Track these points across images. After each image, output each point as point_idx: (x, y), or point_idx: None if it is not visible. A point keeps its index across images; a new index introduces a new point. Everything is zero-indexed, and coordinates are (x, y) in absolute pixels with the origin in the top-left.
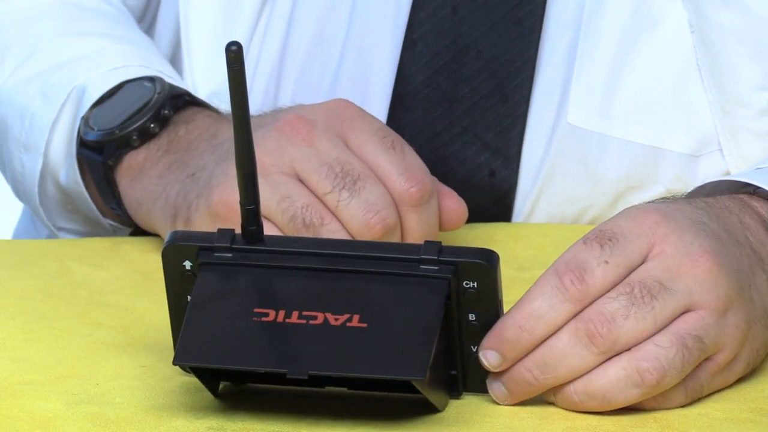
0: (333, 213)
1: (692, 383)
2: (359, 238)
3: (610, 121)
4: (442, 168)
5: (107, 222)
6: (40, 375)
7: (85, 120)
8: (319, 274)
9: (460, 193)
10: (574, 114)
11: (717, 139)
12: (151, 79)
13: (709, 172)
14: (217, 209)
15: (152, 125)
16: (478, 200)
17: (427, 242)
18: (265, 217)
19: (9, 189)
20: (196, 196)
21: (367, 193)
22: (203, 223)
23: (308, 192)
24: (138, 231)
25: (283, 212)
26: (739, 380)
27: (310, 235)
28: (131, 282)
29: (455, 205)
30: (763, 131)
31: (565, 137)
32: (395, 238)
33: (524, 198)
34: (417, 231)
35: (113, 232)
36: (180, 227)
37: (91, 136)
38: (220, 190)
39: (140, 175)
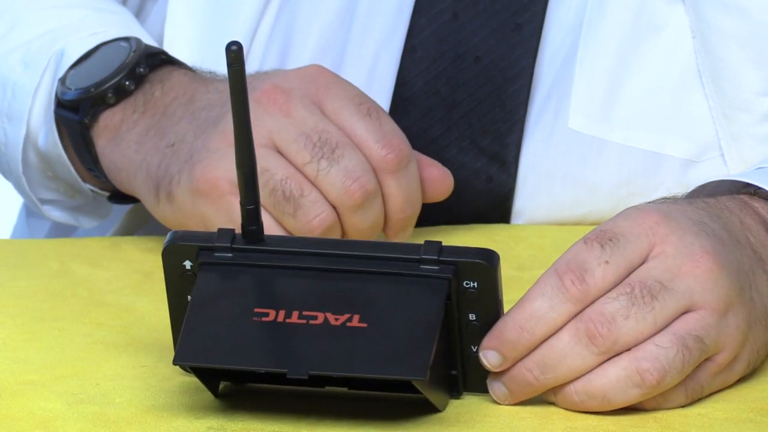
0: (313, 183)
1: (692, 383)
2: (339, 205)
3: (611, 126)
4: None
5: (87, 187)
6: (40, 375)
7: (62, 81)
8: (319, 274)
9: (458, 198)
10: (574, 119)
11: (718, 144)
12: (127, 39)
13: (711, 177)
14: (199, 186)
15: (127, 83)
16: (476, 205)
17: (427, 242)
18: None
19: (7, 189)
20: (177, 171)
21: (346, 161)
22: (185, 199)
23: (287, 163)
24: (117, 195)
25: (264, 186)
26: (740, 380)
27: (291, 207)
28: (131, 282)
29: (438, 172)
30: (764, 136)
31: (565, 142)
32: (376, 205)
33: (523, 203)
34: (397, 197)
35: (93, 200)
36: (162, 200)
37: (68, 95)
38: (201, 166)
39: (117, 138)
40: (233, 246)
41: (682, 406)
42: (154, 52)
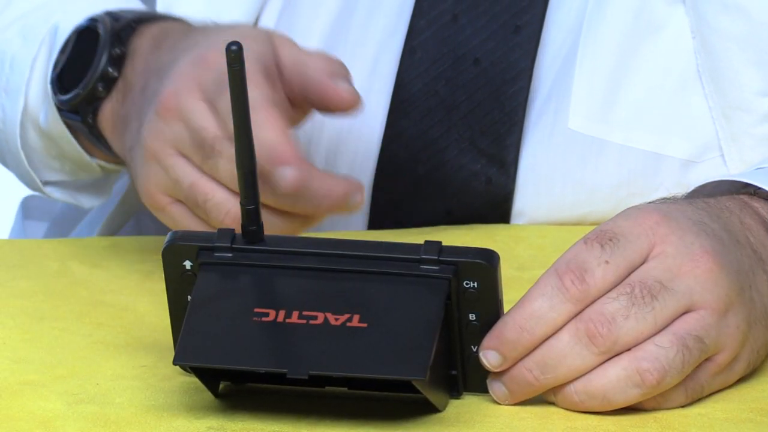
0: (216, 180)
1: (692, 383)
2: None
3: (611, 126)
4: (439, 175)
5: (96, 162)
6: (40, 375)
7: (54, 87)
8: (319, 274)
9: (458, 200)
10: (574, 119)
11: (718, 144)
12: (94, 20)
13: (710, 177)
14: (167, 102)
15: (110, 70)
16: (476, 207)
17: (427, 242)
18: (176, 199)
19: (3, 191)
20: (145, 114)
21: (228, 150)
22: (152, 126)
23: (192, 168)
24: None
25: (181, 194)
26: (740, 380)
27: (203, 212)
28: (131, 282)
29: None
30: (764, 137)
31: (565, 143)
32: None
33: (523, 204)
34: None
35: (101, 175)
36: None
37: (64, 100)
38: (167, 90)
39: (114, 128)
40: (233, 246)
41: (682, 406)
42: (122, 27)
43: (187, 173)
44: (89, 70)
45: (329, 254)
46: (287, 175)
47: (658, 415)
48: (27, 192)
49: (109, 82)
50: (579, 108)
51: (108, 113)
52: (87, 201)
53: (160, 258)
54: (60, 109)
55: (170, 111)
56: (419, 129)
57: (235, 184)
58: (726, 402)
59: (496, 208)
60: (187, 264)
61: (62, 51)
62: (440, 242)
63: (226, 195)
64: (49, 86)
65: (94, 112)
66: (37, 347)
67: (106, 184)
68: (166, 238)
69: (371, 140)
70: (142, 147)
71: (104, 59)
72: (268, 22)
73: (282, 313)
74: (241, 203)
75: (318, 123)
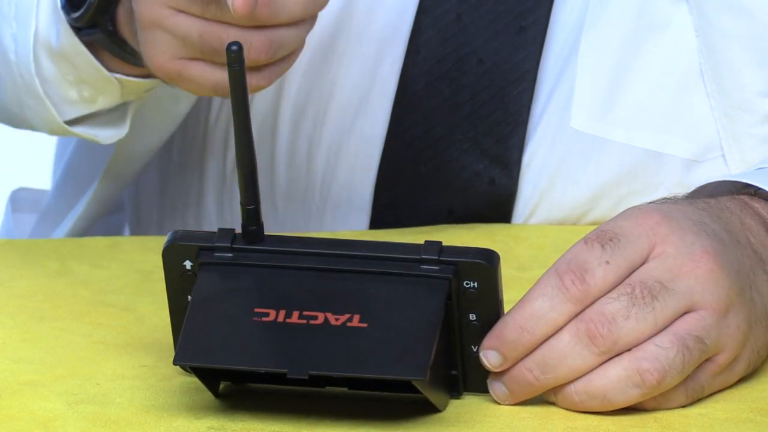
0: (220, 21)
1: (693, 384)
2: (239, 16)
3: (612, 125)
4: (441, 174)
5: (115, 77)
6: (40, 375)
7: (66, 11)
8: (319, 274)
9: (460, 200)
10: (576, 119)
11: (719, 144)
12: None
13: (712, 177)
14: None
15: None
16: (478, 207)
17: (427, 242)
18: (193, 58)
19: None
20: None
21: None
22: (140, 34)
23: (195, 19)
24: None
25: (201, 51)
26: (740, 381)
27: (224, 57)
28: (131, 282)
29: None
30: (765, 137)
31: (568, 142)
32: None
33: (525, 203)
34: None
35: (123, 106)
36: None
37: (79, 18)
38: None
39: (129, 23)
40: (233, 246)
41: (683, 407)
42: None
43: (193, 24)
44: None
45: (329, 254)
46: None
47: (659, 415)
48: (16, 185)
49: None
50: (581, 107)
51: (123, 14)
52: (105, 135)
53: (160, 258)
54: (77, 29)
55: None
56: (422, 128)
57: (242, 21)
58: (726, 402)
59: (499, 209)
60: (187, 264)
61: None
62: (440, 242)
63: (241, 31)
64: (60, 11)
65: (112, 19)
66: (37, 347)
67: (124, 115)
68: (166, 238)
69: (374, 139)
70: (140, 20)
71: None
72: None
73: (282, 313)
74: (241, 203)
75: (320, 122)
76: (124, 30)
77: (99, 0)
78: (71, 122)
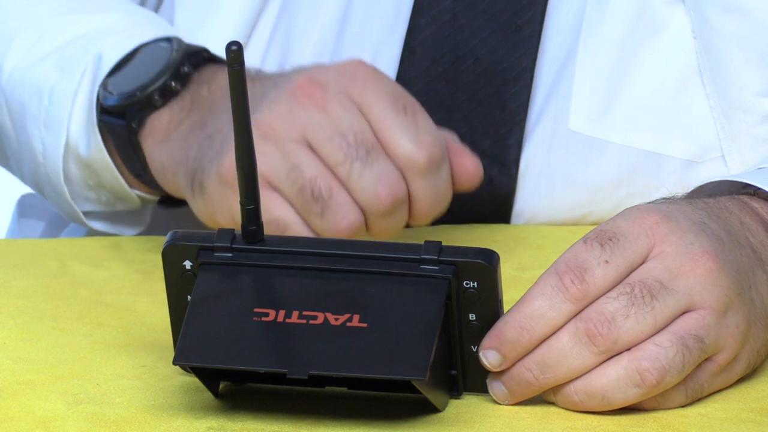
0: (344, 184)
1: (692, 383)
2: (367, 209)
3: (611, 127)
4: None
5: (135, 193)
6: (40, 375)
7: (104, 86)
8: (319, 274)
9: (459, 200)
10: (574, 120)
11: (719, 145)
12: (168, 39)
13: (711, 178)
14: (227, 176)
15: (173, 83)
16: (477, 207)
17: (427, 242)
18: (275, 187)
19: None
20: (209, 161)
21: (379, 165)
22: (215, 191)
23: (318, 162)
24: (167, 200)
25: (293, 183)
26: (740, 380)
27: (319, 207)
28: (131, 282)
29: (470, 163)
30: (765, 137)
31: (566, 143)
32: (403, 209)
33: (524, 204)
34: (425, 199)
35: (140, 206)
36: (197, 193)
37: (112, 101)
38: (230, 157)
39: (165, 138)
40: (233, 246)
41: (682, 406)
42: (197, 50)
43: (313, 163)
44: (149, 78)
45: (329, 254)
46: None
47: (658, 415)
48: (23, 191)
49: (168, 96)
50: (579, 109)
51: (164, 122)
52: (126, 231)
53: (160, 258)
54: (104, 111)
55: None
56: None
57: (367, 196)
58: (726, 402)
59: (497, 208)
60: (187, 264)
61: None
62: (440, 242)
63: (351, 201)
64: (94, 104)
65: (141, 119)
66: (37, 347)
67: (143, 214)
68: (166, 238)
69: None
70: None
71: (170, 72)
72: (266, 23)
73: (282, 313)
74: (240, 203)
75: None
76: (153, 133)
77: (143, 97)
78: (89, 214)
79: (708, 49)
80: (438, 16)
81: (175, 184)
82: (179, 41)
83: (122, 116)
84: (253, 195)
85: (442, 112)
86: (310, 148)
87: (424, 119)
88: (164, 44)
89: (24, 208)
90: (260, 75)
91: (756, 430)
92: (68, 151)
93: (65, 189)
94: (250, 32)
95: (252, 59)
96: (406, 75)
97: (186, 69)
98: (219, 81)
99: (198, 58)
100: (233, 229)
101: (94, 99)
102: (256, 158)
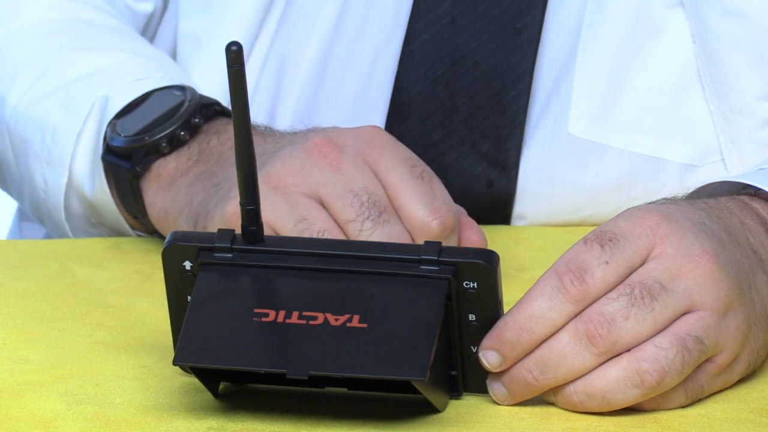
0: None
1: (692, 384)
2: None
3: (611, 131)
4: (440, 177)
5: (135, 233)
6: (40, 375)
7: (112, 126)
8: (319, 275)
9: (459, 202)
10: (574, 124)
11: (719, 149)
12: (182, 88)
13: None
14: (231, 219)
15: (182, 133)
16: (477, 210)
17: (427, 242)
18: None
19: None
20: (214, 205)
21: (391, 227)
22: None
23: (327, 216)
24: None
25: (299, 234)
26: (740, 381)
27: None
28: (131, 282)
29: (475, 236)
30: (765, 141)
31: (565, 147)
32: None
33: (523, 207)
34: None
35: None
36: None
37: (119, 142)
38: (235, 201)
39: (170, 185)
40: (233, 246)
41: (682, 407)
42: (209, 103)
43: (322, 217)
44: (159, 124)
45: (329, 254)
46: None
47: (658, 415)
48: None
49: (176, 144)
50: (579, 113)
51: (170, 168)
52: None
53: (160, 258)
54: (108, 150)
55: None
56: (419, 132)
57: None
58: (726, 402)
59: (497, 211)
60: (187, 264)
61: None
62: (440, 243)
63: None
64: (101, 145)
65: (146, 164)
66: (37, 347)
67: None
68: (166, 238)
69: None
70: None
71: (181, 122)
72: (268, 28)
73: (282, 314)
74: (240, 203)
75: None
76: (157, 179)
77: (151, 143)
78: None
79: (707, 52)
80: (437, 19)
81: (176, 228)
82: (193, 92)
83: (127, 158)
84: (253, 195)
85: (441, 115)
86: (321, 203)
87: (440, 187)
88: (177, 92)
89: (25, 212)
90: (272, 132)
91: (756, 430)
92: (71, 189)
93: (66, 225)
94: (254, 39)
95: (252, 65)
96: (405, 78)
97: (197, 120)
98: (229, 133)
99: (210, 110)
100: (233, 230)
101: (101, 140)
102: (265, 209)
